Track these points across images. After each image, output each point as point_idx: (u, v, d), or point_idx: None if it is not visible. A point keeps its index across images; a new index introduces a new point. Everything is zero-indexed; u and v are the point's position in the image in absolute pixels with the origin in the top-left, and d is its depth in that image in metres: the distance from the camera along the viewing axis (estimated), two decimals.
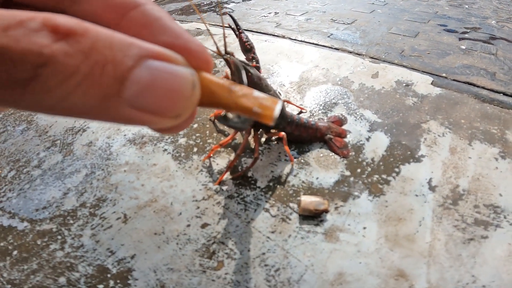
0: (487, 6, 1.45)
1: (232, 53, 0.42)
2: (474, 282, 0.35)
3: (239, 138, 0.52)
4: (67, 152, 0.54)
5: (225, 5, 1.32)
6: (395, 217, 0.39)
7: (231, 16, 0.50)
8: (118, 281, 0.36)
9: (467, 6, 1.41)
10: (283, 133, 0.44)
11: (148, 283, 0.35)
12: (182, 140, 0.52)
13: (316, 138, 0.49)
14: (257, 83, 0.42)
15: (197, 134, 0.53)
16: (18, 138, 0.60)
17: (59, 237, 0.41)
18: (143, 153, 0.51)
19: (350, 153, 0.48)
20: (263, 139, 0.51)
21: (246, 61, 0.44)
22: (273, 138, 0.51)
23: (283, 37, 0.87)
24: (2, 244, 0.41)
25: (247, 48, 0.49)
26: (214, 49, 0.41)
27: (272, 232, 0.39)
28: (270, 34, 0.90)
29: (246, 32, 0.93)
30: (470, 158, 0.46)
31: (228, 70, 0.44)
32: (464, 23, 1.11)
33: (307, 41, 0.83)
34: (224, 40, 0.42)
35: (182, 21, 1.13)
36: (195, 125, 0.55)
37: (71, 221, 0.42)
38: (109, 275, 0.36)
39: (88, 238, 0.40)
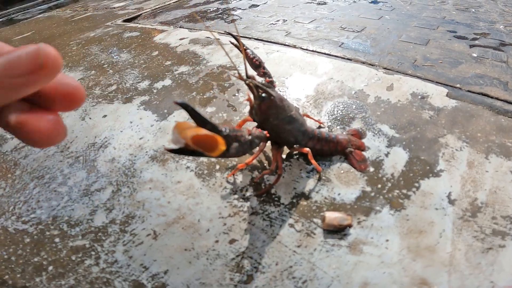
0: (493, 10, 1.47)
1: (253, 77, 0.44)
2: (492, 287, 0.38)
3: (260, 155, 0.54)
4: (91, 169, 0.56)
5: (232, 12, 1.35)
6: (416, 229, 0.42)
7: (232, 35, 0.52)
8: None
9: (473, 10, 1.44)
10: (307, 148, 0.47)
11: None
12: (203, 158, 0.55)
13: (337, 151, 0.52)
14: (280, 106, 0.44)
15: None
16: (39, 153, 0.62)
17: (93, 252, 0.43)
18: (166, 170, 0.54)
19: (368, 168, 0.50)
20: (284, 156, 0.53)
21: (266, 84, 0.46)
22: (295, 152, 0.53)
23: (294, 46, 0.90)
24: (36, 259, 0.44)
25: (256, 65, 0.51)
26: (236, 74, 0.44)
27: (298, 246, 0.41)
28: (281, 44, 0.93)
29: (257, 42, 0.96)
30: (487, 171, 0.49)
31: (250, 94, 0.46)
32: (473, 29, 1.13)
33: (319, 51, 0.86)
34: (245, 65, 0.44)
35: (191, 28, 1.17)
36: None
37: (103, 237, 0.45)
38: None
39: (121, 254, 0.43)
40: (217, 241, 0.43)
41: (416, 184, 0.47)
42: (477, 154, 0.51)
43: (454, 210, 0.44)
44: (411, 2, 1.50)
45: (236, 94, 0.71)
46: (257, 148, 0.49)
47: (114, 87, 0.81)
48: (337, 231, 0.42)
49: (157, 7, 1.59)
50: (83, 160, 0.58)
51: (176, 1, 1.67)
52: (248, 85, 0.43)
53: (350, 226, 0.42)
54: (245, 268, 0.40)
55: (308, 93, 0.69)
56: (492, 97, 0.67)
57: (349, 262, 0.40)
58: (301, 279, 0.38)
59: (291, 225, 0.44)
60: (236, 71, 0.42)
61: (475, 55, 0.88)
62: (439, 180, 0.47)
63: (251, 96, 0.46)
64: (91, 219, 0.48)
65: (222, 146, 0.29)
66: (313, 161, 0.47)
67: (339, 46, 0.91)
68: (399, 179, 0.48)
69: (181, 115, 0.66)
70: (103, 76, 0.87)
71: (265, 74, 0.50)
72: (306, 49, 0.88)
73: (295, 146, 0.49)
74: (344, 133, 0.56)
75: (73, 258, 0.43)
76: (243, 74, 0.44)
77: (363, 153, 0.52)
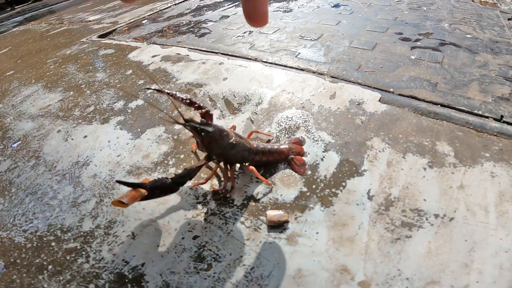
0: (445, 6, 1.58)
1: (190, 119, 0.53)
2: (399, 275, 0.44)
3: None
4: (77, 184, 0.65)
5: (203, 25, 1.42)
6: (340, 223, 0.51)
7: (154, 89, 0.60)
8: (134, 284, 0.47)
9: (425, 8, 1.54)
10: (252, 167, 0.56)
11: (157, 284, 0.46)
12: (171, 170, 0.64)
13: (281, 159, 0.61)
14: (219, 137, 0.53)
15: (184, 164, 0.65)
16: (30, 173, 0.70)
17: (84, 252, 0.52)
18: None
19: (307, 171, 0.60)
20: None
21: (202, 122, 0.54)
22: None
23: (256, 60, 0.99)
24: (37, 260, 0.52)
25: (188, 103, 0.55)
26: (176, 119, 0.53)
27: (247, 240, 0.50)
28: (244, 58, 1.02)
29: (222, 57, 1.05)
30: (403, 169, 0.59)
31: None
32: (419, 29, 1.24)
33: (277, 63, 0.96)
34: (178, 110, 0.53)
35: (163, 44, 1.24)
36: (182, 156, 0.67)
37: (91, 240, 0.54)
38: (126, 280, 0.47)
39: (106, 252, 0.52)
40: (183, 238, 0.52)
41: (343, 183, 0.57)
42: (396, 154, 0.62)
43: (371, 204, 0.53)
44: (369, 4, 1.59)
45: (211, 110, 0.80)
46: (213, 168, 0.59)
47: (92, 108, 0.88)
48: (278, 226, 0.52)
49: (132, 21, 1.64)
50: (69, 177, 0.67)
51: (150, 14, 1.72)
52: (187, 128, 0.51)
53: (287, 221, 0.52)
54: (205, 258, 0.49)
55: (263, 106, 0.79)
56: (419, 99, 0.78)
57: (287, 252, 0.48)
58: (250, 266, 0.47)
59: (242, 223, 0.53)
60: (171, 119, 0.51)
61: (413, 57, 0.99)
62: (362, 179, 0.58)
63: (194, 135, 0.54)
64: (80, 226, 0.57)
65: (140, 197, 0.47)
66: (261, 177, 0.56)
67: (296, 56, 1.01)
68: (330, 179, 0.58)
69: (153, 133, 0.75)
70: (81, 97, 0.94)
71: (199, 107, 0.55)
72: (266, 62, 0.97)
73: (244, 164, 0.58)
74: (287, 142, 0.66)
75: (68, 257, 0.52)
76: (181, 118, 0.53)
77: (303, 158, 0.62)
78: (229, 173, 0.57)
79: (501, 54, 1.04)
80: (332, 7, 1.55)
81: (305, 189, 0.57)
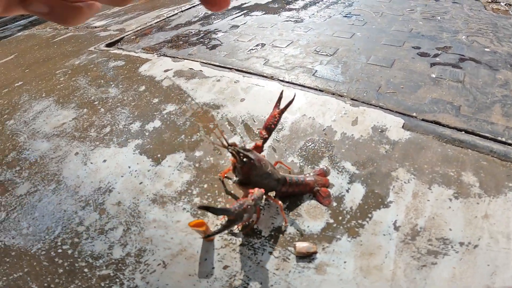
0: (459, 16, 1.63)
1: (234, 144, 0.58)
2: None
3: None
4: (102, 211, 0.70)
5: (213, 35, 1.47)
6: (368, 252, 0.56)
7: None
8: None
9: (439, 18, 1.59)
10: (280, 202, 0.61)
11: None
12: (196, 199, 0.69)
13: (306, 191, 0.66)
14: (258, 166, 0.58)
15: (209, 194, 0.70)
16: (52, 197, 0.75)
17: (117, 280, 0.56)
18: (166, 212, 0.68)
19: (332, 202, 0.65)
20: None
21: (246, 149, 0.59)
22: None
23: (272, 78, 1.04)
24: (72, 286, 0.56)
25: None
26: (220, 143, 0.58)
27: (277, 269, 0.55)
28: (260, 75, 1.07)
29: (237, 74, 1.09)
30: (429, 200, 0.64)
31: (232, 159, 0.60)
32: (436, 42, 1.29)
33: (294, 82, 1.01)
34: (223, 135, 0.58)
35: (174, 57, 1.29)
36: (205, 185, 0.72)
37: (123, 267, 0.58)
38: None
39: (139, 280, 0.56)
40: (213, 268, 0.56)
41: (370, 215, 0.62)
42: (421, 185, 0.67)
43: (398, 235, 0.58)
44: (382, 13, 1.65)
45: (221, 137, 0.85)
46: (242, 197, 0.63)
47: (108, 128, 0.93)
48: (306, 256, 0.57)
49: (139, 28, 1.70)
50: (93, 203, 0.72)
51: (158, 22, 1.78)
52: (231, 152, 0.56)
53: (315, 252, 0.57)
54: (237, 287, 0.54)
55: (284, 133, 0.84)
56: (443, 125, 0.83)
57: (316, 280, 0.53)
58: None
59: (271, 253, 0.58)
60: (219, 141, 0.56)
61: (433, 75, 1.04)
62: (388, 210, 0.63)
63: (235, 161, 0.59)
64: (110, 253, 0.61)
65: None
66: (283, 214, 0.62)
67: (313, 74, 1.06)
68: (356, 211, 0.63)
69: (173, 159, 0.80)
70: (96, 116, 1.00)
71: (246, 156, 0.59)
72: (283, 80, 1.02)
73: (269, 193, 0.63)
74: (311, 173, 0.70)
75: (102, 284, 0.56)
76: (225, 142, 0.58)
77: (328, 189, 0.67)
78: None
79: None
80: (343, 17, 1.61)
81: (331, 221, 0.62)
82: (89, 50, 1.52)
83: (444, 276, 0.52)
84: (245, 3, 1.98)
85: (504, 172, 0.69)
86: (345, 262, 0.55)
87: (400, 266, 0.54)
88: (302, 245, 0.57)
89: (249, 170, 0.57)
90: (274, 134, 0.84)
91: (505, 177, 0.68)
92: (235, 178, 0.62)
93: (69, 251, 0.62)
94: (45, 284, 0.57)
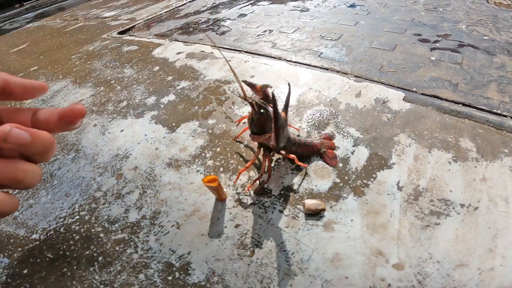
0: (460, 8, 1.60)
1: (252, 96, 0.57)
2: (431, 258, 0.48)
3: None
4: (119, 176, 0.69)
5: (222, 23, 1.46)
6: (373, 211, 0.56)
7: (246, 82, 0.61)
8: (181, 272, 0.50)
9: (441, 9, 1.57)
10: (293, 155, 0.60)
11: (203, 271, 0.50)
12: (209, 162, 0.68)
13: (313, 153, 0.66)
14: (262, 123, 0.56)
15: (221, 157, 0.70)
16: (71, 165, 0.75)
17: (132, 243, 0.55)
18: (180, 174, 0.67)
19: (338, 163, 0.64)
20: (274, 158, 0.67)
21: (263, 101, 0.57)
22: (282, 157, 0.67)
23: (280, 58, 1.03)
24: (87, 252, 0.55)
25: (251, 86, 0.60)
26: (239, 94, 0.56)
27: (286, 227, 0.55)
28: (268, 56, 1.06)
29: (247, 55, 1.09)
30: (429, 163, 0.63)
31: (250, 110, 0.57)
32: (437, 30, 1.27)
33: (301, 61, 1.00)
34: (242, 89, 0.57)
35: (185, 41, 1.28)
36: (218, 149, 0.72)
37: (138, 230, 0.57)
38: (174, 269, 0.51)
39: (153, 242, 0.55)
40: (225, 227, 0.56)
41: (374, 175, 0.61)
42: (422, 149, 0.66)
43: (401, 195, 0.58)
44: (385, 4, 1.63)
45: (232, 107, 0.85)
46: (254, 155, 0.62)
47: (124, 103, 0.93)
48: (315, 214, 0.56)
49: (149, 17, 1.69)
50: (111, 169, 0.71)
51: (167, 11, 1.76)
52: (250, 103, 0.54)
53: (324, 210, 0.56)
54: (248, 245, 0.52)
55: (291, 103, 0.83)
56: (441, 99, 0.82)
57: (324, 237, 0.52)
58: (290, 251, 0.51)
59: (281, 211, 0.57)
60: (238, 92, 0.54)
61: (433, 58, 1.03)
62: (391, 171, 0.62)
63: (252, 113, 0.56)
64: (126, 217, 0.60)
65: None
66: (299, 162, 0.61)
67: (318, 56, 1.05)
68: (361, 171, 0.62)
69: (188, 127, 0.80)
70: (113, 92, 0.99)
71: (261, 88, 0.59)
72: (290, 61, 1.01)
73: (282, 152, 0.62)
74: (318, 137, 0.70)
75: (117, 248, 0.55)
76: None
77: (334, 151, 0.67)
78: (267, 161, 0.60)
79: None
80: (348, 7, 1.59)
81: (338, 180, 0.61)
82: (102, 38, 1.50)
83: (448, 237, 0.51)
84: None
85: (499, 139, 0.68)
86: (352, 220, 0.55)
87: (405, 225, 0.53)
88: (311, 203, 0.57)
89: (264, 122, 0.56)
90: (280, 104, 0.83)
91: (501, 144, 0.67)
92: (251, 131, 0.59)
93: (86, 217, 0.61)
94: (61, 252, 0.56)
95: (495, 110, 0.78)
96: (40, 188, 0.70)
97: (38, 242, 0.58)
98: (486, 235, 0.51)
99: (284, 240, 0.53)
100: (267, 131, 0.57)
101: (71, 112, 0.22)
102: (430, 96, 0.83)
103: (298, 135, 0.72)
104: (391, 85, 0.87)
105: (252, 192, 0.62)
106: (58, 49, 1.49)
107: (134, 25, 1.59)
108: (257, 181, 0.63)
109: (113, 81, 1.06)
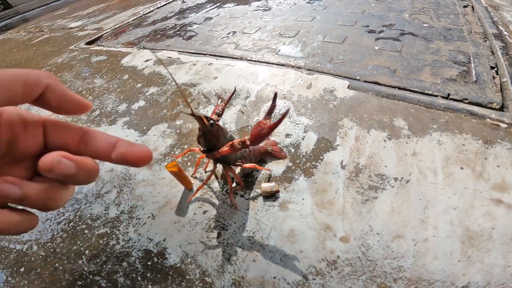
0: None
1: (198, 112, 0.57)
2: (371, 230, 0.53)
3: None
4: (97, 179, 0.73)
5: (189, 28, 1.48)
6: (321, 189, 0.62)
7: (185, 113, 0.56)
8: (159, 256, 0.55)
9: (390, 0, 1.65)
10: (253, 164, 0.62)
11: (178, 254, 0.55)
12: (178, 159, 0.74)
13: (262, 154, 0.69)
14: (223, 128, 0.55)
15: (189, 153, 0.75)
16: None
17: (113, 236, 0.60)
18: (153, 171, 0.72)
19: (286, 155, 0.70)
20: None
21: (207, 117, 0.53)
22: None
23: (241, 58, 1.08)
24: (75, 247, 0.59)
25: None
26: (187, 111, 0.57)
27: (247, 209, 0.60)
28: (230, 57, 1.11)
29: (211, 58, 1.13)
30: (367, 142, 0.70)
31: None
32: (383, 21, 1.35)
33: (260, 60, 1.05)
34: (189, 106, 0.52)
35: (153, 49, 1.30)
36: (186, 146, 0.77)
37: (118, 224, 0.62)
38: (152, 254, 0.55)
39: (132, 233, 0.60)
40: (194, 214, 0.61)
41: (321, 157, 0.68)
42: (362, 130, 0.74)
43: (344, 173, 0.64)
44: None
45: (197, 107, 0.90)
46: (209, 172, 0.63)
47: (97, 112, 0.96)
48: (271, 196, 0.62)
49: (116, 26, 1.68)
50: None
51: (135, 19, 1.76)
52: (197, 117, 0.52)
53: (278, 191, 0.63)
54: (215, 228, 0.58)
55: (251, 99, 0.89)
56: (380, 84, 0.90)
57: (280, 216, 0.57)
58: (252, 231, 0.56)
59: (242, 196, 0.63)
60: (186, 110, 0.57)
61: (377, 48, 1.11)
62: (336, 152, 0.69)
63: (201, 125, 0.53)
64: (107, 213, 0.65)
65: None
66: (262, 168, 0.64)
67: (276, 53, 1.11)
68: (310, 154, 0.69)
69: (158, 129, 0.84)
70: None
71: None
72: (251, 60, 1.07)
73: (238, 162, 0.61)
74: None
75: (101, 241, 0.59)
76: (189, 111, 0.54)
77: (278, 146, 0.72)
78: (231, 173, 0.60)
79: (452, 40, 1.17)
80: (307, 3, 1.65)
81: (290, 164, 0.68)
82: (70, 49, 1.49)
83: (385, 210, 0.56)
84: None
85: (429, 117, 0.76)
86: (303, 199, 0.61)
87: (348, 200, 0.59)
88: (266, 185, 0.63)
89: (216, 132, 0.54)
90: (241, 101, 0.89)
91: (430, 121, 0.75)
92: (202, 148, 0.57)
93: (71, 217, 0.65)
94: (51, 250, 0.59)
95: (426, 91, 0.87)
96: None
97: (30, 242, 0.62)
98: (417, 207, 0.56)
99: (246, 221, 0.58)
100: (220, 145, 0.54)
101: (139, 158, 0.20)
102: (371, 82, 0.91)
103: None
104: (338, 75, 0.94)
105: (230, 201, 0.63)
106: (26, 62, 1.46)
107: (102, 35, 1.59)
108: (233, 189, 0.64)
109: (84, 92, 1.08)
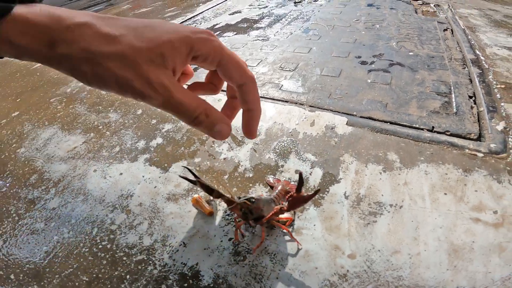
0: (393, 22, 1.88)
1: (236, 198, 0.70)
2: (373, 248, 0.65)
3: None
4: (127, 211, 0.89)
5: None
6: (329, 216, 0.74)
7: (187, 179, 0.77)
8: (194, 279, 0.68)
9: (378, 26, 1.86)
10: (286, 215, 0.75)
11: (210, 276, 0.68)
12: (201, 194, 0.91)
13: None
14: (263, 199, 0.71)
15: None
16: (83, 207, 0.93)
17: (150, 262, 0.73)
18: (179, 205, 0.88)
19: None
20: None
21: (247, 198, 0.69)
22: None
23: None
24: (116, 273, 0.72)
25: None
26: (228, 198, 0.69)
27: (267, 236, 0.75)
28: None
29: (220, 93, 1.31)
30: (366, 175, 0.89)
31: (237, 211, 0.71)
32: (373, 50, 1.56)
33: (265, 96, 1.25)
34: (229, 191, 0.71)
35: None
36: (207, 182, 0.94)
37: (153, 251, 0.75)
38: (187, 277, 0.68)
39: (167, 259, 0.73)
40: (221, 241, 0.75)
41: (327, 189, 0.86)
42: (360, 164, 0.93)
43: (348, 202, 0.79)
44: (334, 26, 1.93)
45: (213, 145, 1.07)
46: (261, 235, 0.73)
47: (117, 148, 1.12)
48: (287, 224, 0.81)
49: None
50: (119, 207, 0.91)
51: None
52: (239, 203, 0.67)
53: (292, 220, 0.81)
54: (241, 252, 0.72)
55: (261, 137, 1.07)
56: (374, 119, 1.11)
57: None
58: (272, 253, 0.70)
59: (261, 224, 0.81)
60: (226, 198, 0.72)
61: (369, 81, 1.32)
62: (339, 185, 0.87)
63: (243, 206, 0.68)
64: (141, 242, 0.78)
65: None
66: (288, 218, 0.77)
67: (280, 88, 1.31)
68: (317, 188, 0.89)
69: (178, 166, 1.01)
70: (103, 138, 1.17)
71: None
72: None
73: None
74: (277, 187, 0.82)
75: (140, 267, 0.72)
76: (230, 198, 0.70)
77: (291, 183, 0.90)
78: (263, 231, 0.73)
79: (435, 69, 1.39)
80: (302, 32, 1.87)
81: None
82: None
83: (383, 231, 0.69)
84: (217, 24, 2.20)
85: (417, 150, 0.97)
86: (314, 225, 0.76)
87: (352, 224, 0.71)
88: (282, 216, 0.81)
89: (258, 205, 0.69)
90: (254, 140, 1.08)
91: (417, 153, 0.96)
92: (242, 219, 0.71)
93: (108, 246, 0.78)
94: (94, 275, 0.72)
95: (414, 125, 1.08)
96: (61, 227, 0.87)
97: (71, 269, 0.75)
98: (410, 227, 0.69)
99: (267, 245, 0.74)
100: (265, 214, 0.68)
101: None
102: (366, 118, 1.12)
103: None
104: (337, 111, 1.14)
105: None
106: (33, 90, 1.59)
107: None
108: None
109: (101, 127, 1.24)
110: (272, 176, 0.93)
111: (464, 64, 1.46)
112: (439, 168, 0.90)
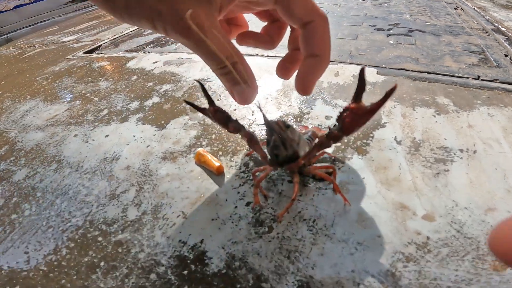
0: (401, 1, 1.74)
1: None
2: (457, 205, 0.45)
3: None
4: (111, 178, 0.60)
5: None
6: (381, 166, 0.53)
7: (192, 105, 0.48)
8: (197, 263, 0.42)
9: (386, 5, 1.69)
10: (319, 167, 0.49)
11: (221, 258, 0.42)
12: (207, 149, 0.63)
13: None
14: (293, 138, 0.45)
15: (218, 142, 0.64)
16: (54, 176, 0.64)
17: (135, 242, 0.46)
18: (178, 165, 0.60)
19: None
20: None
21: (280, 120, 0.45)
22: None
23: (257, 55, 1.02)
24: (86, 259, 0.45)
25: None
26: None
27: (300, 195, 0.49)
28: (244, 54, 1.05)
29: None
30: (417, 118, 0.63)
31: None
32: (388, 21, 1.35)
33: (277, 55, 0.99)
34: (263, 113, 0.42)
35: (160, 53, 1.22)
36: (213, 136, 0.66)
37: (140, 227, 0.49)
38: (188, 261, 0.42)
39: (160, 237, 0.46)
40: (236, 207, 0.49)
41: (371, 135, 0.60)
42: (406, 108, 0.66)
43: (402, 148, 0.56)
44: (340, 5, 1.72)
45: (219, 99, 0.81)
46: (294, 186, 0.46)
47: (105, 111, 0.84)
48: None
49: (115, 37, 1.60)
50: (100, 172, 0.62)
51: (133, 30, 1.69)
52: (269, 125, 0.43)
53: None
54: (264, 221, 0.46)
55: (278, 88, 0.81)
56: (408, 70, 0.85)
57: (341, 199, 0.47)
58: (311, 220, 0.45)
59: (289, 181, 0.52)
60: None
61: (391, 42, 1.08)
62: (385, 129, 0.61)
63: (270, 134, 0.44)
64: (125, 215, 0.51)
65: None
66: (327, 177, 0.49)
67: None
68: (358, 133, 0.60)
69: (178, 122, 0.73)
70: (90, 104, 0.89)
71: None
72: (267, 56, 1.00)
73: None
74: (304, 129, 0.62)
75: (120, 250, 0.45)
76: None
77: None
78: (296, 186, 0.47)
79: (459, 35, 1.16)
80: None
81: (339, 144, 0.59)
82: (67, 58, 1.35)
83: (462, 182, 0.49)
84: None
85: (469, 94, 0.71)
86: (363, 178, 0.51)
87: (417, 175, 0.51)
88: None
89: (293, 135, 0.44)
90: (268, 90, 0.82)
91: (472, 97, 0.69)
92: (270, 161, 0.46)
93: (79, 223, 0.51)
94: (55, 263, 0.45)
95: (456, 74, 0.82)
96: (22, 203, 0.59)
97: (26, 255, 0.47)
98: (497, 177, 0.49)
99: (301, 209, 0.48)
100: (300, 150, 0.45)
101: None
102: (398, 69, 0.86)
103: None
104: (363, 64, 0.88)
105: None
106: (19, 73, 1.32)
107: (101, 45, 1.49)
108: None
109: (88, 94, 0.96)
110: (298, 123, 0.65)
111: (486, 32, 1.22)
112: (503, 111, 0.65)
